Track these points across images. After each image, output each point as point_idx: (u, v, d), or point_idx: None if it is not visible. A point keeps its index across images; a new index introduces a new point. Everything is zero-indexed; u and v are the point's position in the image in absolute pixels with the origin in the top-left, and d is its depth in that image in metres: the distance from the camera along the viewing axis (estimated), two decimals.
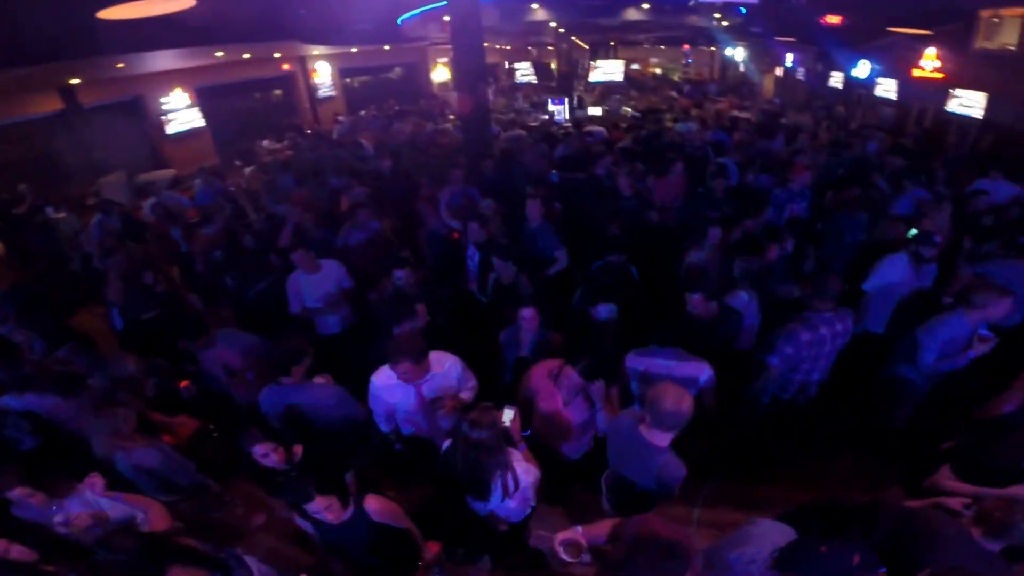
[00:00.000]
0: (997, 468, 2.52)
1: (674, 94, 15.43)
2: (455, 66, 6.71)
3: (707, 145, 7.60)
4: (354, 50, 12.93)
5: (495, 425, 2.39)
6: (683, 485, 2.41)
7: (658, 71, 21.05)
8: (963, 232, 4.68)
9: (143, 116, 10.02)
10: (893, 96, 11.99)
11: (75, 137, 9.13)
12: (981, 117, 9.45)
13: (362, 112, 12.32)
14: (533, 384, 2.90)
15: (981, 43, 9.40)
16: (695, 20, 13.12)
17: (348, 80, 13.97)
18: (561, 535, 2.17)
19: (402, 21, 9.37)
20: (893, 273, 3.88)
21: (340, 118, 12.09)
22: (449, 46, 14.70)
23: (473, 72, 6.36)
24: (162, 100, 10.06)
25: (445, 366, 2.98)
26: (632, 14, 10.92)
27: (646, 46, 19.27)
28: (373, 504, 2.42)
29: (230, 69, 10.90)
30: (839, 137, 8.41)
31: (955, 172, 6.76)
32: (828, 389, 3.52)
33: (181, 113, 10.36)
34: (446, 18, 9.37)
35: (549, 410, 2.83)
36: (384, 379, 2.94)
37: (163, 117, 10.11)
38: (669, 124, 9.93)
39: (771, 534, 2.08)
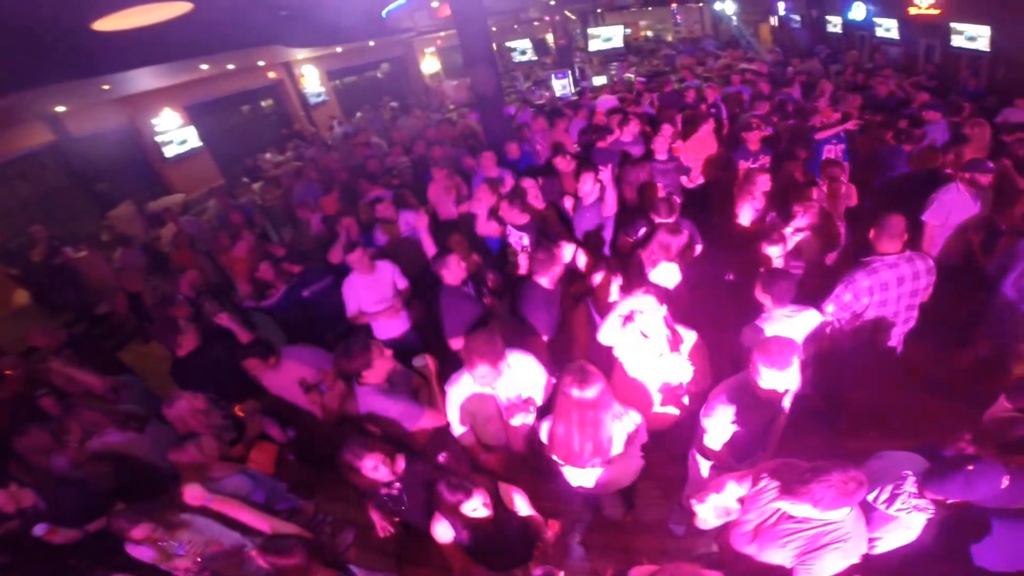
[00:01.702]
0: None
1: (673, 53, 15.26)
2: (463, 51, 6.66)
3: (722, 101, 7.55)
4: (339, 50, 12.84)
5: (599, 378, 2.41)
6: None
7: (649, 33, 20.81)
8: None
9: (138, 141, 10.01)
10: (895, 36, 11.84)
11: (73, 170, 9.14)
12: (988, 49, 9.30)
13: (358, 114, 12.27)
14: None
15: None
16: None
17: (336, 82, 13.89)
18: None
19: (387, 13, 9.28)
20: (952, 202, 3.91)
21: (336, 121, 12.07)
22: (434, 34, 14.79)
23: (481, 55, 6.32)
24: (154, 122, 10.02)
25: (518, 365, 2.91)
26: None
27: (633, 10, 19.00)
28: (508, 492, 2.46)
29: (217, 83, 10.89)
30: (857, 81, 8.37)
31: (978, 104, 6.78)
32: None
33: (176, 134, 10.35)
34: (435, 3, 9.32)
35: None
36: (461, 386, 2.89)
37: (159, 140, 10.08)
38: (677, 85, 9.85)
39: (903, 462, 2.19)
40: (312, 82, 12.89)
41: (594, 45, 14.87)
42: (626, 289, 3.44)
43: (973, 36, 9.50)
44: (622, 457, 2.61)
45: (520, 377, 2.89)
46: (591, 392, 2.39)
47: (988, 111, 6.29)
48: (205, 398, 3.59)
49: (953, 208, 3.88)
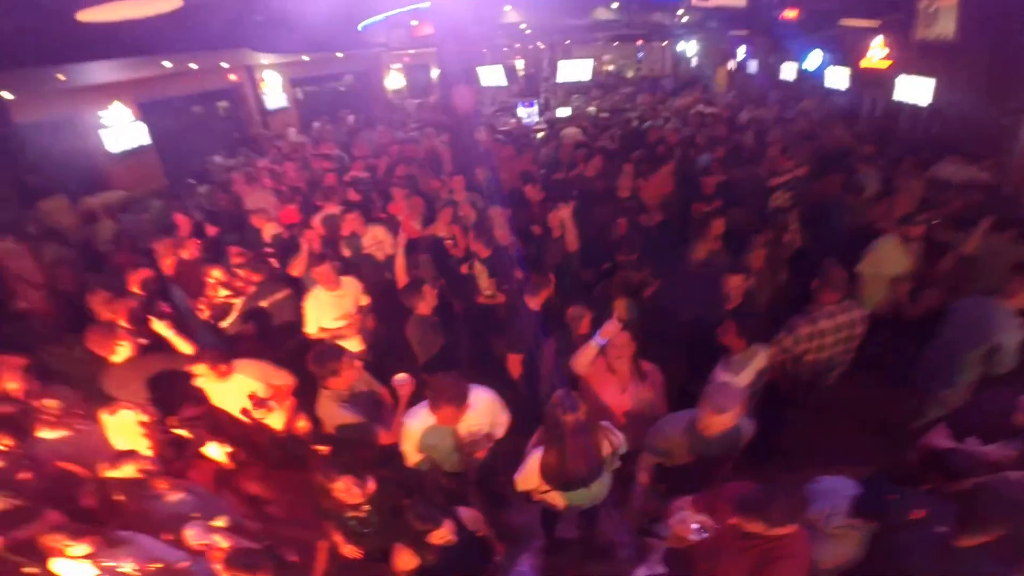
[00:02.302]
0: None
1: (632, 91, 15.90)
2: (442, 71, 6.81)
3: (683, 142, 7.98)
4: (306, 58, 12.76)
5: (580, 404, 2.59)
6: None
7: (611, 68, 21.64)
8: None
9: (82, 134, 9.58)
10: (844, 87, 12.67)
11: (7, 159, 8.62)
12: (928, 104, 10.01)
13: (316, 124, 12.17)
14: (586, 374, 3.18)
15: (922, 33, 9.91)
16: (659, 17, 13.59)
17: (297, 90, 13.74)
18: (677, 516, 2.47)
19: (364, 27, 9.36)
20: (886, 254, 4.33)
21: (291, 130, 11.93)
22: (404, 52, 14.92)
23: (461, 76, 6.51)
24: (103, 115, 9.64)
25: (480, 403, 3.00)
26: (602, 13, 11.29)
27: (599, 43, 19.77)
28: (465, 515, 2.53)
29: (174, 81, 10.58)
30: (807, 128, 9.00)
31: (915, 157, 7.41)
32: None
33: (124, 129, 9.96)
34: (414, 22, 9.47)
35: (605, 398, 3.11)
36: (420, 420, 2.95)
37: (104, 134, 9.68)
38: (638, 124, 10.32)
39: (837, 488, 2.46)
40: (273, 88, 12.73)
41: (562, 76, 15.33)
42: (594, 323, 3.61)
43: (915, 90, 10.18)
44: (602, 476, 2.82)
45: (481, 412, 3.00)
46: (583, 415, 2.58)
47: (922, 164, 6.83)
48: (152, 410, 3.46)
49: (886, 260, 4.28)
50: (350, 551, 2.85)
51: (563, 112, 11.92)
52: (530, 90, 13.89)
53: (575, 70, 15.10)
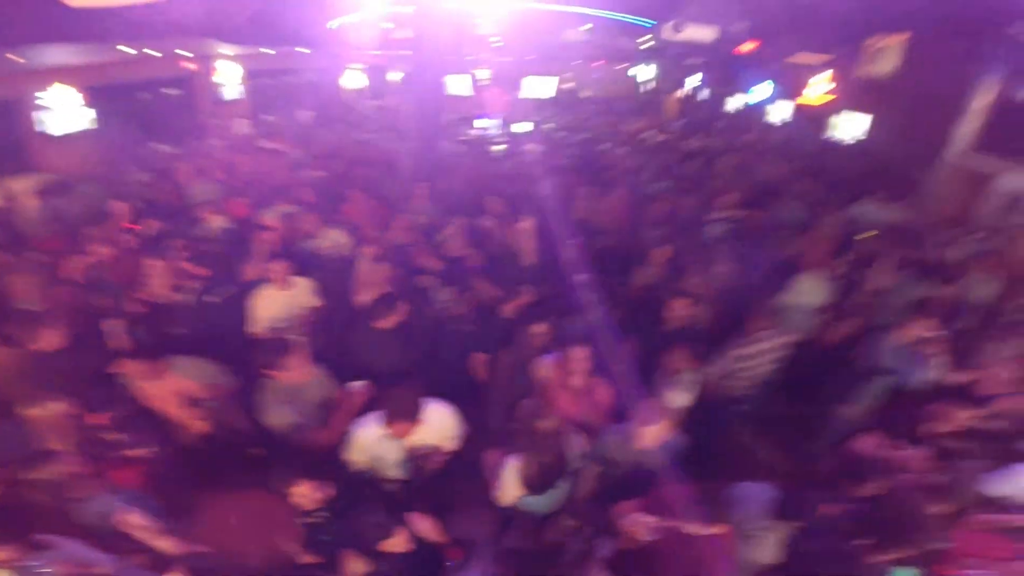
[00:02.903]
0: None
1: (589, 111, 16.23)
2: (415, 75, 6.82)
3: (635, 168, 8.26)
4: (269, 51, 12.40)
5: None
6: None
7: (569, 86, 22.00)
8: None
9: (18, 115, 8.95)
10: (785, 120, 13.44)
11: None
12: (861, 140, 10.76)
13: (268, 117, 11.83)
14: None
15: (866, 70, 10.61)
16: (623, 42, 13.95)
17: (254, 82, 13.32)
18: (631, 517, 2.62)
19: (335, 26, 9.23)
20: (807, 288, 4.72)
21: (243, 121, 11.58)
22: (368, 52, 14.72)
23: (432, 82, 6.54)
24: (42, 97, 9.04)
25: (435, 417, 3.03)
26: (572, 35, 11.53)
27: (561, 62, 20.11)
28: (418, 522, 2.62)
29: (128, 67, 10.12)
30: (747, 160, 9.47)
31: (838, 193, 7.87)
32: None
33: (67, 112, 9.37)
34: (388, 24, 9.38)
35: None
36: (369, 431, 2.94)
37: (41, 116, 9.08)
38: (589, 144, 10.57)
39: (757, 494, 2.71)
40: (229, 78, 12.30)
41: (526, 92, 15.53)
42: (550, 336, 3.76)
43: (849, 127, 10.91)
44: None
45: (434, 428, 3.03)
46: (555, 422, 2.76)
47: (844, 202, 7.30)
48: (77, 405, 3.29)
49: (806, 293, 4.68)
50: (307, 558, 2.79)
51: (522, 127, 12.07)
52: (493, 103, 13.96)
53: (540, 87, 15.36)
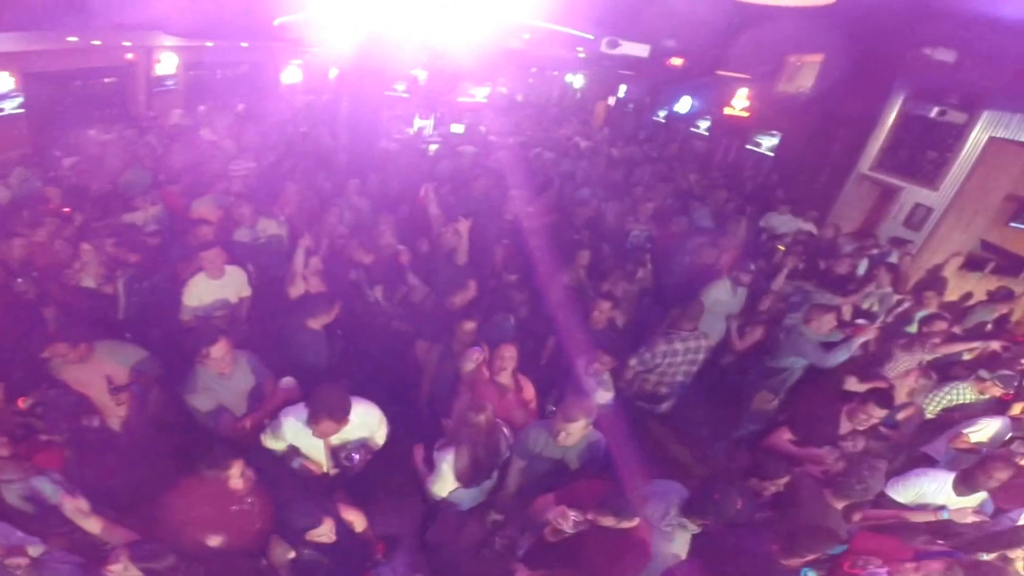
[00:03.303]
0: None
1: (522, 116, 16.58)
2: (356, 70, 6.86)
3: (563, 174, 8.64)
4: (208, 44, 12.04)
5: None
6: None
7: (503, 90, 22.33)
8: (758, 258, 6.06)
9: None
10: (705, 132, 13.95)
11: None
12: (773, 154, 11.25)
13: (201, 107, 11.49)
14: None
15: (783, 86, 10.83)
16: (559, 50, 14.28)
17: (191, 73, 12.88)
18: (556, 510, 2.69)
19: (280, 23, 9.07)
20: (718, 294, 5.05)
21: (177, 111, 11.19)
22: (309, 49, 14.41)
23: (373, 79, 6.60)
24: None
25: (360, 417, 3.00)
26: (512, 43, 11.73)
27: (498, 65, 20.37)
28: (349, 514, 2.72)
29: (64, 56, 9.66)
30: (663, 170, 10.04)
31: (752, 203, 8.57)
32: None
33: None
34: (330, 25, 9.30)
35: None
36: (294, 423, 2.92)
37: None
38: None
39: (669, 490, 2.88)
40: (166, 69, 11.89)
41: (462, 95, 15.75)
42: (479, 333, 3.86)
43: (762, 142, 11.38)
44: None
45: (359, 426, 3.03)
46: (489, 416, 2.86)
47: (756, 213, 7.93)
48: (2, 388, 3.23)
49: (717, 300, 5.01)
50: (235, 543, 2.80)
51: (457, 128, 12.29)
52: (430, 104, 14.11)
53: (476, 91, 15.64)
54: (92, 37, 9.47)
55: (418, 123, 12.12)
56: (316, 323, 3.80)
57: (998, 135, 6.98)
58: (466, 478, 3.04)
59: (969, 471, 3.30)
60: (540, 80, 22.17)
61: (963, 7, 5.39)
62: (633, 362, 4.22)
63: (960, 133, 7.32)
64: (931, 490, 3.36)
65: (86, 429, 3.43)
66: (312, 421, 2.77)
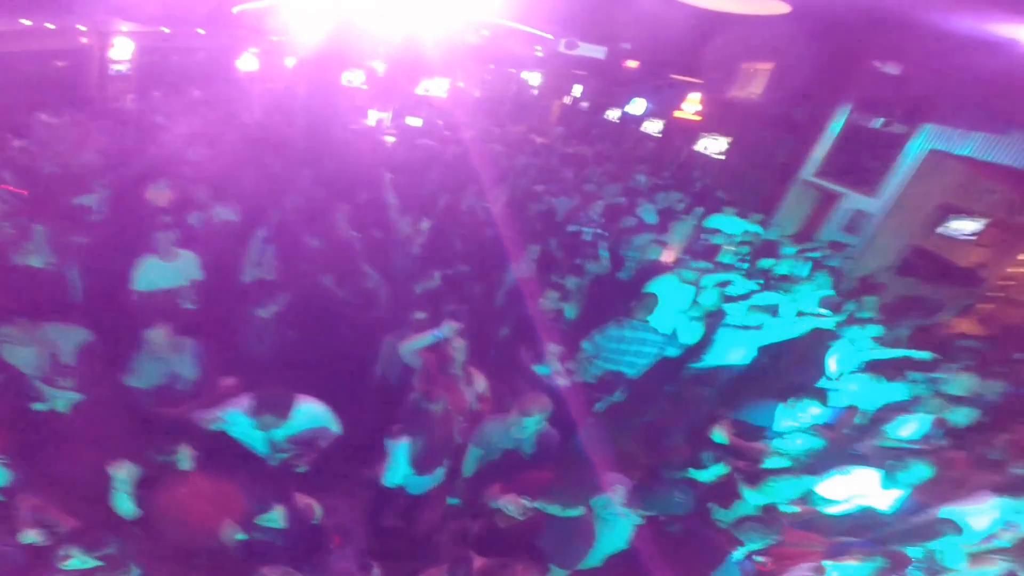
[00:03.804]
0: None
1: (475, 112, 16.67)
2: (312, 61, 6.96)
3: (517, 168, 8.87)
4: (167, 30, 11.73)
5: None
6: None
7: (461, 84, 22.33)
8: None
9: None
10: (658, 134, 14.30)
11: None
12: (722, 157, 11.52)
13: (156, 93, 11.20)
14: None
15: (735, 91, 11.02)
16: (516, 48, 14.43)
17: (145, 58, 12.49)
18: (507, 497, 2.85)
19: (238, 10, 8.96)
20: (668, 290, 5.13)
21: (130, 96, 10.91)
22: (267, 37, 14.14)
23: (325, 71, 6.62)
24: None
25: (307, 415, 3.06)
26: (470, 38, 11.82)
27: (456, 60, 20.35)
28: (304, 502, 2.84)
29: (17, 38, 9.28)
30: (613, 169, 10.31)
31: (701, 203, 8.82)
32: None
33: None
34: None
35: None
36: (234, 414, 2.94)
37: None
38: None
39: (612, 481, 2.95)
40: (121, 53, 11.52)
41: (421, 89, 15.89)
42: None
43: (714, 144, 11.59)
44: None
45: (303, 421, 3.05)
46: (445, 405, 2.97)
47: (710, 211, 8.15)
48: None
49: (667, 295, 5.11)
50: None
51: (414, 121, 12.37)
52: (390, 96, 14.10)
53: (434, 86, 15.72)
54: (46, 20, 9.14)
55: (375, 115, 12.10)
56: (266, 312, 3.86)
57: (938, 147, 7.26)
58: (420, 466, 3.12)
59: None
60: (497, 76, 22.16)
61: (911, 21, 5.51)
62: (585, 345, 4.38)
63: (901, 144, 7.52)
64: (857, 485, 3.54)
65: (32, 412, 3.39)
66: (255, 413, 2.82)
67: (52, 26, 9.52)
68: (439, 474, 3.36)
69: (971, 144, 6.99)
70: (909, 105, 7.35)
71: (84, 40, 10.79)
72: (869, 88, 7.76)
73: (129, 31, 11.40)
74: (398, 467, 3.14)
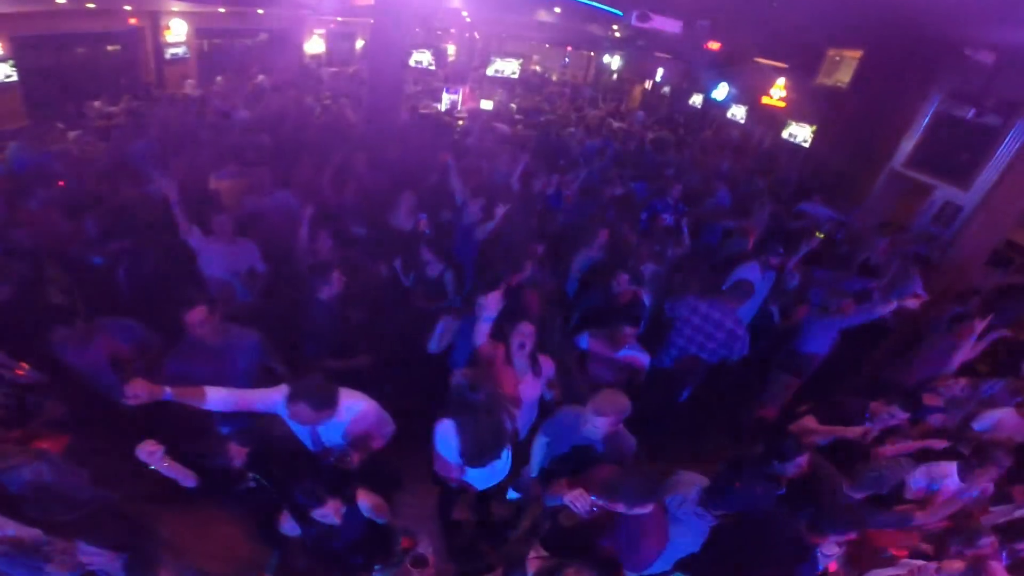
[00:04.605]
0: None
1: (554, 94, 16.26)
2: (373, 41, 6.74)
3: (594, 152, 8.34)
4: (221, 9, 11.85)
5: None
6: None
7: (538, 68, 22.01)
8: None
9: None
10: (741, 120, 13.85)
11: None
12: (808, 145, 11.19)
13: (218, 78, 11.37)
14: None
15: (821, 79, 10.91)
16: (594, 28, 13.94)
17: (204, 41, 12.71)
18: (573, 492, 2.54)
19: None
20: (747, 276, 4.79)
21: (189, 82, 11.08)
22: (331, 18, 14.29)
23: (392, 50, 6.46)
24: None
25: (354, 413, 2.84)
26: (543, 16, 11.44)
27: (533, 42, 20.11)
28: (365, 500, 2.58)
29: (63, 19, 9.44)
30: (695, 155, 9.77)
31: (782, 192, 8.50)
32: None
33: None
34: None
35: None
36: (272, 403, 2.73)
37: None
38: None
39: (692, 481, 2.78)
40: (176, 36, 11.68)
41: (491, 70, 15.50)
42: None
43: (799, 133, 11.32)
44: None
45: (349, 423, 2.84)
46: (490, 392, 2.72)
47: (797, 199, 7.89)
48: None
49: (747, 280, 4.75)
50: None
51: (486, 105, 11.99)
52: (457, 78, 13.81)
53: (505, 66, 15.38)
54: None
55: (447, 98, 11.80)
56: (324, 293, 3.67)
57: None
58: (471, 458, 2.90)
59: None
60: (576, 59, 21.77)
61: (1005, 11, 5.24)
62: (674, 314, 4.30)
63: (995, 136, 7.33)
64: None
65: (89, 411, 3.36)
66: (289, 401, 2.60)
67: (92, 5, 9.54)
68: (500, 467, 3.15)
69: None
70: (1002, 96, 7.13)
71: (133, 21, 10.88)
72: (960, 77, 7.59)
73: (181, 11, 11.51)
74: (447, 459, 2.98)
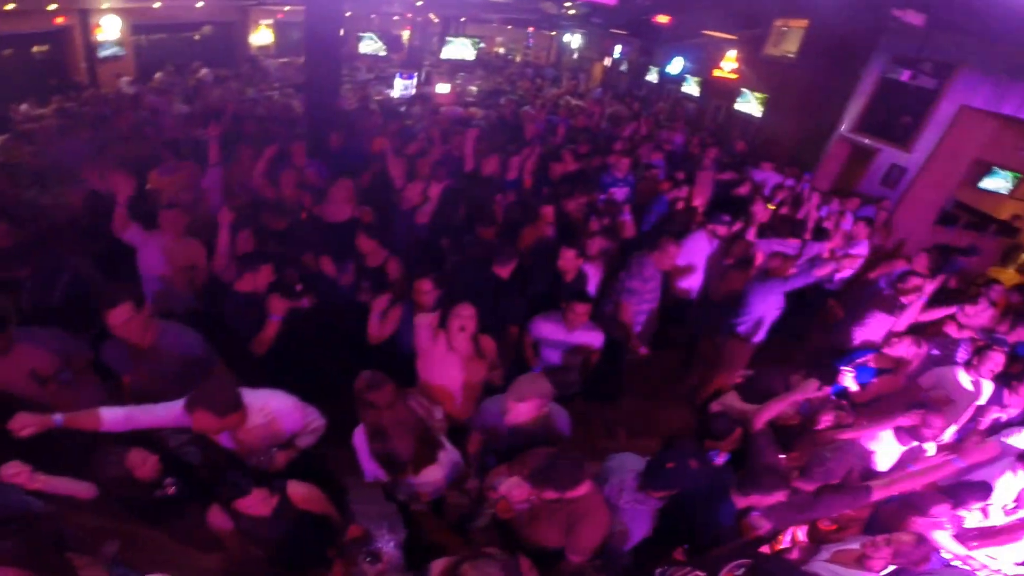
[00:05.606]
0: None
1: (515, 75, 16.22)
2: (306, 26, 6.58)
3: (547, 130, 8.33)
4: (156, 4, 11.43)
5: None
6: None
7: (501, 50, 21.94)
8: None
9: None
10: (696, 93, 14.10)
11: None
12: (760, 116, 11.61)
13: (157, 74, 11.02)
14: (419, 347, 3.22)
15: (769, 49, 11.28)
16: (547, 6, 13.92)
17: (141, 37, 12.24)
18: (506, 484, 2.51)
19: None
20: (695, 247, 5.00)
21: (124, 79, 10.70)
22: (278, 7, 13.92)
23: (325, 34, 6.28)
24: None
25: (266, 415, 2.66)
26: None
27: (495, 24, 19.99)
28: (296, 491, 2.51)
29: None
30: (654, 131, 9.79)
31: (739, 160, 8.68)
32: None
33: None
34: None
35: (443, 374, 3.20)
36: (176, 416, 2.53)
37: None
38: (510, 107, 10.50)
39: (627, 463, 2.75)
40: (110, 34, 11.21)
41: (447, 53, 15.27)
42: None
43: (751, 103, 11.74)
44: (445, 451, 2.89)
45: (266, 423, 2.69)
46: (391, 393, 2.56)
47: (748, 167, 8.02)
48: None
49: (692, 251, 4.95)
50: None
51: (443, 88, 11.82)
52: (412, 62, 13.59)
53: (459, 49, 15.17)
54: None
55: (400, 83, 11.62)
56: (243, 285, 3.50)
57: (968, 104, 7.33)
58: (387, 466, 2.74)
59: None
60: (538, 40, 21.90)
61: None
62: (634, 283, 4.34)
63: (932, 98, 7.72)
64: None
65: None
66: (187, 412, 2.43)
67: (12, 6, 9.03)
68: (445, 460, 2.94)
69: (1004, 100, 6.96)
70: (937, 60, 7.51)
71: (59, 20, 10.40)
72: (898, 42, 7.93)
73: (113, 7, 11.03)
74: (368, 470, 2.85)
